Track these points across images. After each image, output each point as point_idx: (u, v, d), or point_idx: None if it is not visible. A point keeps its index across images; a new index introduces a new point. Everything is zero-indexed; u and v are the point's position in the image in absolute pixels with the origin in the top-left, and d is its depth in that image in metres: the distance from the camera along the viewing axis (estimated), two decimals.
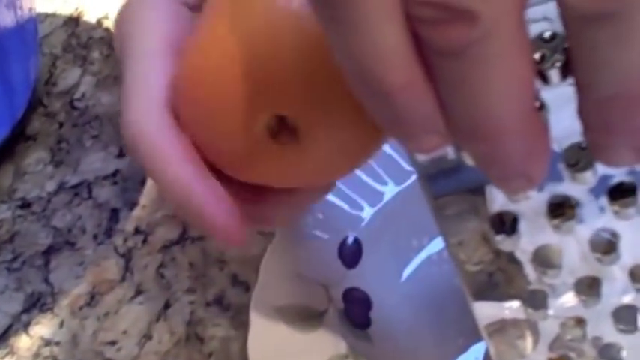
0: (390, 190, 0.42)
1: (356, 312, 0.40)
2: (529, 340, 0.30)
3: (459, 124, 0.20)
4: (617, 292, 0.27)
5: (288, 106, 0.27)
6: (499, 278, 0.28)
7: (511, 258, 0.27)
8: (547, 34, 0.21)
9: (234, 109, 0.28)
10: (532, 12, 0.21)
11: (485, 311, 0.30)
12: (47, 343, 0.45)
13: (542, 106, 0.22)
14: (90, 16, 0.61)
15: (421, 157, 0.25)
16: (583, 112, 0.21)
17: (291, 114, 0.27)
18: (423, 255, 0.41)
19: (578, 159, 0.23)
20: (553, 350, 0.30)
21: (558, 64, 0.21)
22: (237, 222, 0.28)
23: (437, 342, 0.39)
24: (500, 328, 0.30)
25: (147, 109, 0.30)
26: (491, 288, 0.29)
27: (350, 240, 0.41)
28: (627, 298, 0.27)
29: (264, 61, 0.27)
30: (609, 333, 0.28)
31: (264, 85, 0.27)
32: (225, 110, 0.28)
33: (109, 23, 0.61)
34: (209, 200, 0.28)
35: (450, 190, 0.26)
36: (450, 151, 0.24)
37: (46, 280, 0.48)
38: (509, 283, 0.28)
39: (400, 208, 0.42)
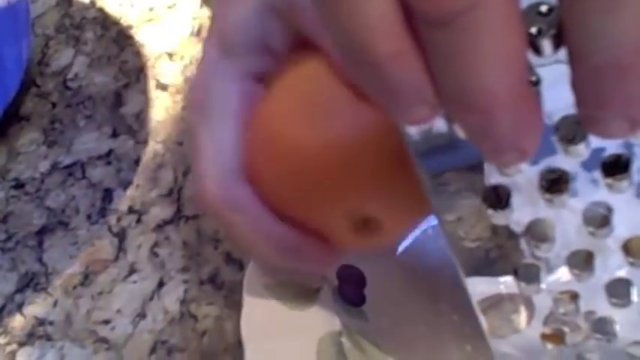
0: None
1: (350, 289, 0.40)
2: (523, 315, 0.30)
3: (449, 96, 0.20)
4: (610, 266, 0.27)
5: (365, 201, 0.31)
6: (496, 254, 0.28)
7: (510, 234, 0.27)
8: (544, 8, 0.20)
9: (317, 203, 0.32)
10: None
11: (481, 287, 0.30)
12: (41, 322, 0.45)
13: (537, 81, 0.22)
14: None
15: (414, 133, 0.25)
16: (576, 83, 0.20)
17: (373, 211, 0.31)
18: (417, 231, 0.41)
19: (571, 132, 0.23)
20: (547, 325, 0.30)
21: (552, 32, 0.20)
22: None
23: (431, 318, 0.39)
24: (495, 303, 0.30)
25: (226, 176, 0.32)
26: (487, 264, 0.29)
27: None
28: (621, 272, 0.27)
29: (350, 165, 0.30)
30: (603, 307, 0.28)
31: (345, 184, 0.30)
32: (308, 200, 0.32)
33: (102, 3, 0.60)
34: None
35: (445, 166, 0.26)
36: (442, 125, 0.24)
37: (40, 260, 0.48)
38: (506, 259, 0.28)
39: None
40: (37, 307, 0.46)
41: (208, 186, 0.32)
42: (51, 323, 0.45)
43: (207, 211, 0.34)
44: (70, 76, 0.57)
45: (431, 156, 0.25)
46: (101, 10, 0.60)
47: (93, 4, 0.60)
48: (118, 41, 0.58)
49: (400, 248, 0.41)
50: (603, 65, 0.19)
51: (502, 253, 0.28)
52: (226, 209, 0.32)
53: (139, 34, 0.57)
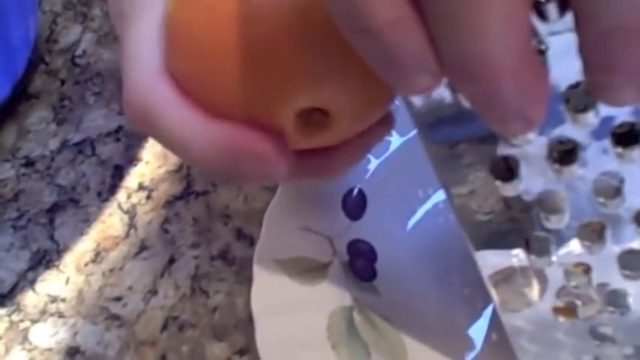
0: (394, 141, 0.42)
1: (361, 264, 0.39)
2: (536, 289, 0.30)
3: (453, 64, 0.20)
4: (623, 237, 0.26)
5: (315, 90, 0.26)
6: (508, 227, 0.28)
7: (522, 207, 0.27)
8: None
9: (265, 92, 0.27)
10: None
11: (493, 260, 0.29)
12: (53, 299, 0.45)
13: (544, 49, 0.21)
14: None
15: (418, 103, 0.24)
16: (583, 50, 0.20)
17: (321, 103, 0.27)
18: (428, 205, 0.40)
19: (580, 100, 0.23)
20: (560, 298, 0.30)
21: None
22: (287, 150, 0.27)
23: (443, 292, 0.38)
24: (508, 276, 0.30)
25: (148, 77, 0.28)
26: (500, 237, 0.28)
27: (354, 192, 0.41)
28: (633, 244, 0.26)
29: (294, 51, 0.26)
30: (616, 280, 0.28)
31: (290, 71, 0.26)
32: (256, 91, 0.27)
33: None
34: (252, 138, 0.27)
35: (455, 138, 0.25)
36: (447, 95, 0.23)
37: (51, 238, 0.48)
38: (518, 232, 0.28)
39: (405, 158, 0.41)
40: (49, 284, 0.46)
41: (128, 96, 0.29)
42: (63, 300, 0.45)
43: (133, 124, 0.30)
44: (78, 52, 0.56)
45: (436, 128, 0.25)
46: None
47: None
48: None
49: (411, 223, 0.40)
50: (611, 29, 0.19)
51: (514, 226, 0.28)
52: (147, 116, 0.28)
53: None
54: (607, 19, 0.18)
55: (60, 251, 0.47)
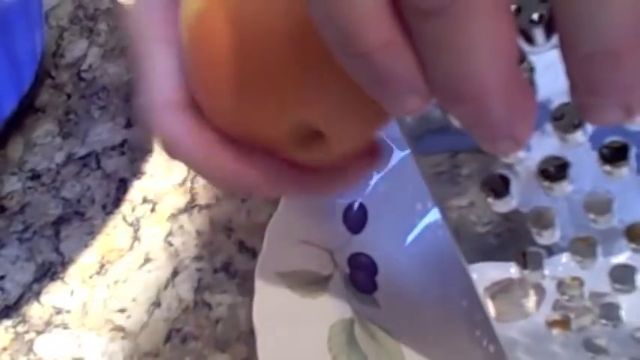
0: (394, 156, 0.42)
1: (361, 277, 0.40)
2: (533, 300, 0.30)
3: (440, 86, 0.20)
4: (613, 252, 0.27)
5: (310, 110, 0.27)
6: (507, 238, 0.28)
7: (518, 221, 0.27)
8: (512, 7, 0.20)
9: (257, 115, 0.28)
10: None
11: (491, 271, 0.30)
12: (58, 311, 0.46)
13: (530, 69, 0.22)
14: None
15: (407, 118, 0.25)
16: (569, 71, 0.20)
17: (311, 117, 0.28)
18: (428, 218, 0.41)
19: (567, 118, 0.23)
20: (555, 310, 0.30)
21: (544, 20, 0.20)
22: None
23: (442, 304, 0.39)
24: (505, 287, 0.30)
25: (168, 106, 0.30)
26: (499, 248, 0.29)
27: (355, 205, 0.41)
28: (624, 258, 0.27)
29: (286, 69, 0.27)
30: (607, 293, 0.28)
31: (285, 93, 0.27)
32: (247, 113, 0.28)
33: None
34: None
35: (442, 149, 0.25)
36: (435, 110, 0.24)
37: (57, 250, 0.48)
38: (516, 244, 0.28)
39: (405, 172, 0.42)
40: (54, 296, 0.46)
41: (152, 121, 0.30)
42: (68, 312, 0.46)
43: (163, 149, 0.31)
44: (84, 67, 0.57)
45: (426, 139, 0.25)
46: (114, 1, 0.60)
47: None
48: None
49: (411, 236, 0.41)
50: (596, 53, 0.19)
51: (513, 238, 0.28)
52: (172, 148, 0.30)
53: None
54: (591, 43, 0.19)
55: (65, 263, 0.47)
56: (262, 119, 0.28)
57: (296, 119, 0.28)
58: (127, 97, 0.55)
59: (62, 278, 0.47)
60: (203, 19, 0.28)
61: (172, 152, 0.30)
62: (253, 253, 0.44)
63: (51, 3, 0.61)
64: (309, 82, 0.26)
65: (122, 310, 0.45)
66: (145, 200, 0.49)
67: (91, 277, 0.47)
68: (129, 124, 0.53)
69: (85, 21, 0.60)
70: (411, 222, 0.41)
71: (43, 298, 0.46)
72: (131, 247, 0.47)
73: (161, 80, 0.30)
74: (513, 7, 0.21)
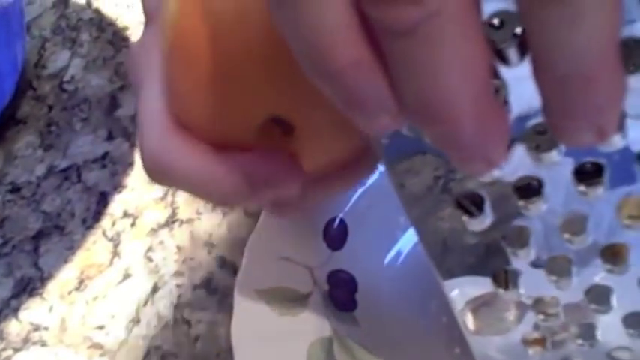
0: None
1: (341, 294, 0.39)
2: (514, 314, 0.30)
3: (412, 106, 0.20)
4: (588, 271, 0.27)
5: (282, 106, 0.27)
6: (483, 256, 0.28)
7: (497, 237, 0.27)
8: (495, 21, 0.20)
9: (234, 106, 0.27)
10: None
11: (473, 285, 0.29)
12: (36, 328, 0.45)
13: (502, 86, 0.22)
14: None
15: (379, 136, 0.24)
16: (541, 93, 0.20)
17: (284, 113, 0.27)
18: (408, 234, 0.41)
19: (542, 138, 0.23)
20: (532, 329, 0.30)
21: (514, 43, 0.20)
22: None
23: (422, 321, 0.39)
24: (488, 301, 0.30)
25: (159, 132, 0.29)
26: (476, 264, 0.28)
27: (336, 222, 0.41)
28: (599, 279, 0.27)
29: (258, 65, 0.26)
30: (584, 313, 0.28)
31: (259, 87, 0.27)
32: (225, 105, 0.28)
33: (98, 4, 0.60)
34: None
35: (410, 151, 0.25)
36: (405, 129, 0.23)
37: (36, 265, 0.48)
38: (493, 261, 0.28)
39: (386, 187, 0.41)
40: (32, 312, 0.46)
41: (145, 157, 0.29)
42: (46, 328, 0.45)
43: (155, 181, 0.31)
44: (66, 78, 0.57)
45: (395, 144, 0.25)
46: (97, 12, 0.60)
47: (89, 5, 0.60)
48: (113, 43, 0.57)
49: (391, 253, 0.41)
50: (567, 76, 0.19)
51: (489, 255, 0.28)
52: (166, 173, 0.29)
53: (135, 36, 0.57)
54: (563, 66, 0.19)
55: (44, 279, 0.47)
56: (235, 120, 0.28)
57: (267, 115, 0.27)
58: (109, 109, 0.54)
59: (41, 294, 0.46)
60: (176, 27, 0.28)
61: (167, 175, 0.29)
62: (234, 269, 0.44)
63: (33, 13, 0.61)
64: (282, 81, 0.26)
65: (101, 327, 0.44)
66: (125, 214, 0.48)
67: (70, 292, 0.46)
68: (110, 137, 0.53)
69: (67, 31, 0.59)
70: (391, 238, 0.41)
71: (22, 314, 0.46)
72: (111, 263, 0.47)
73: (151, 105, 0.29)
74: (496, 20, 0.21)
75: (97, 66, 0.57)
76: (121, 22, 0.58)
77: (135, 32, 0.57)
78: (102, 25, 0.59)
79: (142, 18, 0.53)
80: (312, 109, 0.27)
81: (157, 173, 0.30)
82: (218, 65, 0.27)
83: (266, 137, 0.28)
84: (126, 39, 0.57)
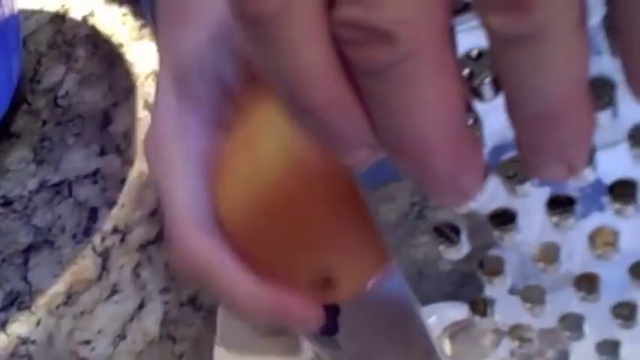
0: None
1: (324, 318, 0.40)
2: (490, 340, 0.31)
3: (388, 141, 0.20)
4: (562, 299, 0.27)
5: (324, 261, 0.30)
6: (460, 283, 0.29)
7: (474, 265, 0.27)
8: (474, 53, 0.20)
9: (280, 263, 0.31)
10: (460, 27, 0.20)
11: (451, 311, 0.30)
12: (23, 342, 0.45)
13: (477, 120, 0.22)
14: (76, 14, 0.61)
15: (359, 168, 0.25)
16: (514, 129, 0.21)
17: (326, 267, 0.30)
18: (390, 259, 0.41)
19: (516, 171, 0.23)
20: (508, 355, 0.30)
21: (488, 79, 0.21)
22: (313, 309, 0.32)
23: (402, 345, 0.39)
24: (465, 327, 0.30)
25: (197, 233, 0.31)
26: (454, 291, 0.29)
27: None
28: (572, 307, 0.27)
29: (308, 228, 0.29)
30: (557, 339, 0.28)
31: (301, 246, 0.30)
32: (271, 261, 0.31)
33: (94, 20, 0.61)
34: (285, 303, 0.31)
35: (388, 178, 0.26)
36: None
37: (25, 279, 0.48)
38: (470, 288, 0.29)
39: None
40: (20, 326, 0.46)
41: (180, 253, 0.31)
42: (33, 342, 0.45)
43: (182, 275, 0.33)
44: (60, 93, 0.57)
45: (373, 169, 0.25)
46: (93, 28, 0.60)
47: (85, 21, 0.61)
48: (108, 59, 0.58)
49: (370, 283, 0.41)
50: (536, 114, 0.19)
51: (466, 283, 0.29)
52: (200, 275, 0.31)
53: (130, 53, 0.58)
54: (532, 105, 0.19)
55: (32, 293, 0.47)
56: (286, 264, 0.31)
57: (314, 267, 0.30)
58: (103, 125, 0.55)
59: (29, 308, 0.47)
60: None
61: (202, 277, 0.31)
62: None
63: (30, 28, 0.61)
64: (327, 237, 0.29)
65: (87, 342, 0.45)
66: (115, 230, 0.49)
67: (57, 307, 0.46)
68: (103, 152, 0.53)
69: (63, 47, 0.60)
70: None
71: (9, 327, 0.46)
72: (99, 278, 0.47)
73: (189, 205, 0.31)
74: (466, 71, 0.21)
75: (92, 82, 0.57)
76: (116, 39, 0.59)
77: (129, 49, 0.58)
78: (97, 41, 0.59)
79: (135, 34, 0.53)
80: (352, 263, 0.30)
81: (188, 270, 0.31)
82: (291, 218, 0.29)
83: (311, 286, 0.31)
84: (120, 55, 0.58)
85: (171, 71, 0.33)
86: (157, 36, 0.33)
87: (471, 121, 0.22)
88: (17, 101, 0.57)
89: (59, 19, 0.62)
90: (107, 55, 0.58)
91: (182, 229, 0.31)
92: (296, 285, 0.31)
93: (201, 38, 0.32)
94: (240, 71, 0.32)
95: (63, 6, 0.62)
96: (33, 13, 0.62)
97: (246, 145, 0.30)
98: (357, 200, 0.24)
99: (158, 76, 0.34)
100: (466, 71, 0.21)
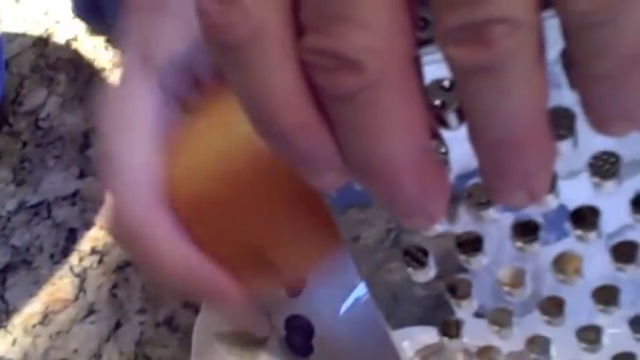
0: None
1: (298, 339, 0.40)
2: None
3: (355, 165, 0.21)
4: (528, 323, 0.28)
5: (265, 239, 0.31)
6: (429, 306, 0.29)
7: (442, 288, 0.28)
8: (446, 83, 0.21)
9: (223, 235, 0.32)
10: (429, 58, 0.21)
11: (422, 335, 0.30)
12: None
13: (442, 147, 0.23)
14: (59, 38, 0.62)
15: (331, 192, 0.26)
16: (477, 156, 0.21)
17: (266, 245, 0.31)
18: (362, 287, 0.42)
19: (481, 197, 0.24)
20: None
21: (454, 107, 0.22)
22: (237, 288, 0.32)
23: None
24: (437, 351, 0.31)
25: (141, 199, 0.32)
26: (424, 315, 0.29)
27: None
28: (538, 329, 0.28)
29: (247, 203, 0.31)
30: None
31: (248, 222, 0.31)
32: (216, 232, 0.32)
33: (77, 45, 0.62)
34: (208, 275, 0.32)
35: (357, 201, 0.26)
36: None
37: (2, 298, 0.48)
38: (439, 311, 0.29)
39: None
40: None
41: (120, 219, 0.32)
42: None
43: (116, 241, 0.34)
44: (42, 115, 0.58)
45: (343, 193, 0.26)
46: (76, 52, 0.61)
47: (68, 45, 0.62)
48: (90, 83, 0.59)
49: (349, 300, 0.42)
50: (498, 141, 0.20)
51: (435, 306, 0.29)
52: (136, 243, 0.32)
53: (111, 77, 0.58)
54: (493, 133, 0.20)
55: (9, 312, 0.48)
56: (224, 239, 0.32)
57: (253, 244, 0.31)
58: (83, 147, 0.55)
59: (5, 327, 0.47)
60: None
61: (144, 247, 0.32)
62: (196, 309, 0.45)
63: (13, 51, 0.62)
64: (266, 219, 0.31)
65: None
66: (93, 251, 0.49)
67: (34, 326, 0.47)
68: (82, 175, 0.54)
69: (46, 70, 0.61)
70: (348, 286, 0.42)
71: None
72: (76, 298, 0.47)
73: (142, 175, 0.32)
74: (437, 102, 0.22)
75: (73, 105, 0.58)
76: (98, 64, 0.60)
77: (111, 74, 0.58)
78: (80, 65, 0.60)
79: (117, 60, 0.54)
80: (292, 249, 0.32)
81: (123, 236, 0.32)
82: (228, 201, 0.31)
83: (250, 267, 0.32)
84: (102, 79, 0.59)
85: (140, 53, 0.33)
86: (126, 23, 0.34)
87: (437, 148, 0.23)
88: None
89: (42, 42, 0.63)
90: (89, 79, 0.59)
91: (130, 194, 0.32)
92: (233, 258, 0.32)
93: (176, 26, 0.33)
94: (211, 73, 0.33)
95: (46, 30, 0.62)
96: (16, 36, 0.63)
97: (218, 123, 0.31)
98: (312, 195, 0.25)
99: (124, 56, 0.34)
100: (438, 102, 0.22)
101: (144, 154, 0.32)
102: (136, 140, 0.32)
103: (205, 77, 0.32)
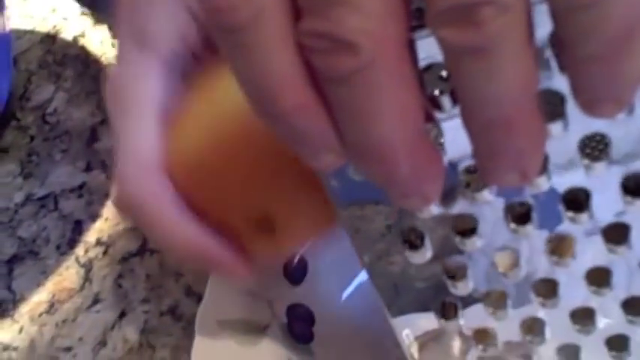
0: None
1: (299, 327, 0.41)
2: (458, 348, 0.32)
3: (352, 147, 0.22)
4: (523, 304, 0.28)
5: (267, 204, 0.32)
6: (427, 289, 0.30)
7: (438, 270, 0.29)
8: (444, 73, 0.22)
9: (224, 202, 0.33)
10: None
11: (421, 321, 0.31)
12: (6, 347, 0.47)
13: (436, 129, 0.24)
14: (67, 34, 0.63)
15: (332, 181, 0.26)
16: (470, 137, 0.22)
17: (268, 210, 0.32)
18: (362, 274, 0.42)
19: (475, 179, 0.25)
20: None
21: (450, 89, 0.22)
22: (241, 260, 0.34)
23: (377, 355, 0.40)
24: (436, 337, 0.32)
25: (143, 172, 0.33)
26: (423, 299, 0.30)
27: (295, 259, 0.43)
28: (533, 311, 0.29)
29: (248, 168, 0.32)
30: (520, 344, 0.30)
31: (248, 188, 0.32)
32: (216, 199, 0.33)
33: (84, 41, 0.62)
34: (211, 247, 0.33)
35: (360, 198, 0.27)
36: (351, 170, 0.25)
37: (9, 288, 0.49)
38: (436, 294, 0.30)
39: None
40: (2, 332, 0.47)
41: (122, 189, 0.33)
42: (15, 349, 0.46)
43: (121, 213, 0.35)
44: (49, 110, 0.58)
45: (346, 188, 0.27)
46: (83, 48, 0.62)
47: (75, 41, 0.63)
48: (97, 79, 0.60)
49: (349, 288, 0.42)
50: (490, 121, 0.21)
51: (432, 288, 0.30)
52: (137, 213, 0.33)
53: None
54: (485, 113, 0.21)
55: (16, 301, 0.49)
56: (225, 206, 0.33)
57: (254, 210, 0.32)
58: (89, 141, 0.56)
59: (12, 316, 0.48)
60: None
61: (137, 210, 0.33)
62: (199, 298, 0.45)
63: (21, 47, 0.63)
64: (268, 186, 0.32)
65: (68, 349, 0.46)
66: (98, 242, 0.50)
67: (40, 315, 0.48)
68: (88, 168, 0.54)
69: (53, 66, 0.61)
70: (349, 274, 0.42)
71: None
72: (82, 288, 0.48)
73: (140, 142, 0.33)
74: (436, 91, 0.23)
75: (80, 100, 0.59)
76: (105, 59, 0.60)
77: None
78: (87, 61, 0.61)
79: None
80: (294, 212, 0.32)
81: (127, 207, 0.33)
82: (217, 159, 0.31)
83: (252, 231, 0.33)
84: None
85: (132, 30, 0.34)
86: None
87: (431, 130, 0.24)
88: (6, 117, 0.58)
89: (50, 39, 0.63)
90: (96, 75, 0.60)
91: (133, 168, 0.32)
92: (233, 223, 0.32)
93: (167, 0, 0.34)
94: (202, 40, 0.33)
95: (54, 27, 0.63)
96: (25, 33, 0.64)
97: (213, 97, 0.32)
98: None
99: (118, 32, 0.35)
100: (437, 91, 0.23)
101: (147, 131, 0.33)
102: (140, 121, 0.33)
103: (197, 47, 0.33)
